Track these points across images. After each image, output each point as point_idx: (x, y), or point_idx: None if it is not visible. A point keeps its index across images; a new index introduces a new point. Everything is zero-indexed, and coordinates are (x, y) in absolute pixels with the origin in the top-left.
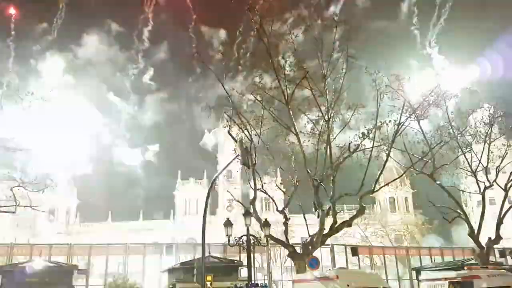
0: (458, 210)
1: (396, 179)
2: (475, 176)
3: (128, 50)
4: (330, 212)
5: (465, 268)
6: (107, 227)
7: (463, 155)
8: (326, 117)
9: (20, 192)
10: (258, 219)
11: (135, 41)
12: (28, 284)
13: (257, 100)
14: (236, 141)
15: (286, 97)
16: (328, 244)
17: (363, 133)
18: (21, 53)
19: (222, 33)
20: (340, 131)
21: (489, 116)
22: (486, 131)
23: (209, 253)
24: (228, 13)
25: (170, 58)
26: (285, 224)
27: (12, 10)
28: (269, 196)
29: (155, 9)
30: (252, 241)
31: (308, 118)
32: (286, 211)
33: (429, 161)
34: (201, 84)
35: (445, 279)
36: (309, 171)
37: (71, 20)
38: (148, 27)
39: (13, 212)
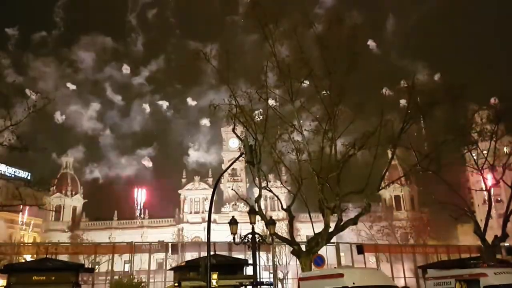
0: (465, 208)
1: (401, 177)
2: (481, 174)
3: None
4: (336, 210)
5: (472, 266)
6: (113, 226)
7: (469, 152)
8: (331, 114)
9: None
10: (263, 217)
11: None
12: (34, 282)
13: (262, 98)
14: (241, 139)
15: (290, 94)
16: (334, 242)
17: (368, 131)
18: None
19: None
20: (345, 128)
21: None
22: (493, 128)
23: (215, 251)
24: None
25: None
26: (290, 222)
27: None
28: (274, 194)
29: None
30: (257, 239)
31: (313, 115)
32: (291, 209)
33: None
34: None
35: (452, 277)
36: (314, 169)
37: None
38: (140, 35)
39: (19, 212)
